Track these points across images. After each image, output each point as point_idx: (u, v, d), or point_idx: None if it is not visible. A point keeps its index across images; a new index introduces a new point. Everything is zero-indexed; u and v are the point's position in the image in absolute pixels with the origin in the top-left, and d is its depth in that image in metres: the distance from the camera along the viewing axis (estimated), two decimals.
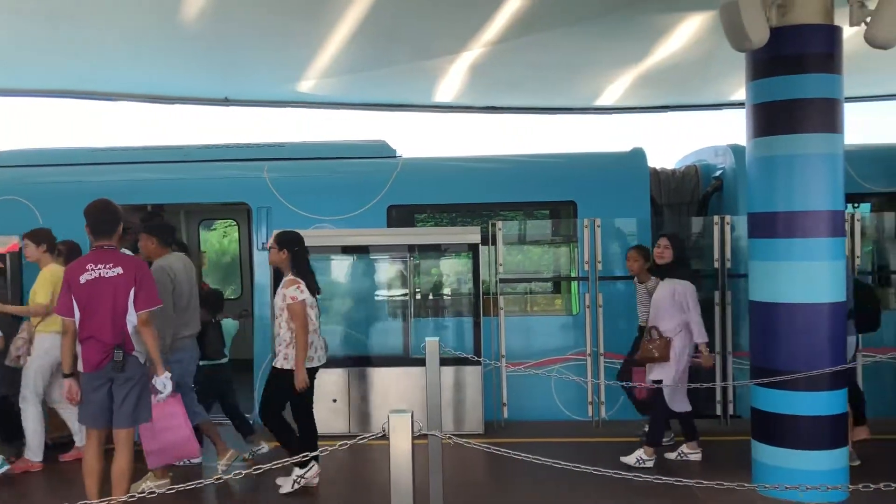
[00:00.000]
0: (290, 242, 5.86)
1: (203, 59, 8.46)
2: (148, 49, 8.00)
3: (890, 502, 4.84)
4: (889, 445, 6.61)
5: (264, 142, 9.00)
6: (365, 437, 3.52)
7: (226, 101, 10.07)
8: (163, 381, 5.09)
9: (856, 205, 8.23)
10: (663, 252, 6.46)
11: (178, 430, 5.51)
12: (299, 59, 8.33)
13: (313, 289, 5.83)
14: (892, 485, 3.58)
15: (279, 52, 8.22)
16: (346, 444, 3.54)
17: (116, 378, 4.89)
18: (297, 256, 5.83)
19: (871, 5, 5.11)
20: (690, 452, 6.44)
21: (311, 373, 5.80)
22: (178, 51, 8.06)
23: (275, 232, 6.06)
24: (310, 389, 5.86)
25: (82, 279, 4.84)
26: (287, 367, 5.69)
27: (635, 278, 7.07)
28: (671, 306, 6.32)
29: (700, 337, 6.31)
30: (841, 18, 5.31)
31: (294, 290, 5.67)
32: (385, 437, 3.23)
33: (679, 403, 6.39)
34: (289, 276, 5.79)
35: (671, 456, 6.46)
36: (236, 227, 11.33)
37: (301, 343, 5.62)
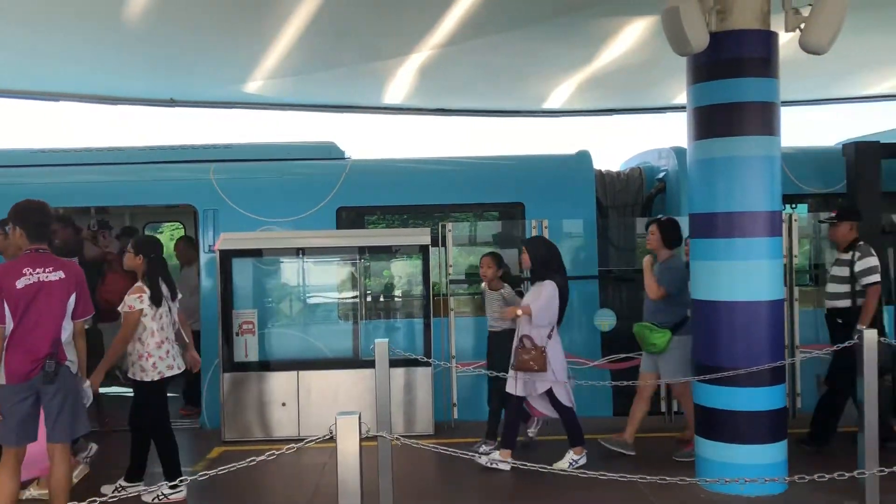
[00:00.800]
0: (146, 248, 5.74)
1: (147, 58, 8.30)
2: (90, 48, 7.83)
3: (824, 491, 5.02)
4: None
5: (210, 143, 8.86)
6: (312, 440, 3.51)
7: (171, 102, 9.91)
8: (86, 391, 4.97)
9: (793, 205, 8.48)
10: (526, 259, 6.23)
11: (41, 443, 4.96)
12: (246, 60, 8.25)
13: (159, 299, 5.62)
14: (826, 475, 3.73)
15: (225, 53, 8.12)
16: (294, 447, 3.52)
17: (44, 391, 4.65)
18: (151, 264, 5.69)
19: (806, 12, 5.30)
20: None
21: (167, 382, 5.73)
22: (121, 50, 7.90)
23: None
24: (163, 400, 5.77)
25: (20, 283, 4.62)
26: (147, 378, 5.57)
27: (486, 285, 6.89)
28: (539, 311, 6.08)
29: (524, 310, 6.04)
30: (777, 24, 5.49)
31: (133, 299, 5.54)
32: (333, 439, 3.23)
33: (539, 402, 6.29)
34: (138, 283, 5.67)
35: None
36: (183, 230, 11.14)
37: (114, 351, 5.57)
